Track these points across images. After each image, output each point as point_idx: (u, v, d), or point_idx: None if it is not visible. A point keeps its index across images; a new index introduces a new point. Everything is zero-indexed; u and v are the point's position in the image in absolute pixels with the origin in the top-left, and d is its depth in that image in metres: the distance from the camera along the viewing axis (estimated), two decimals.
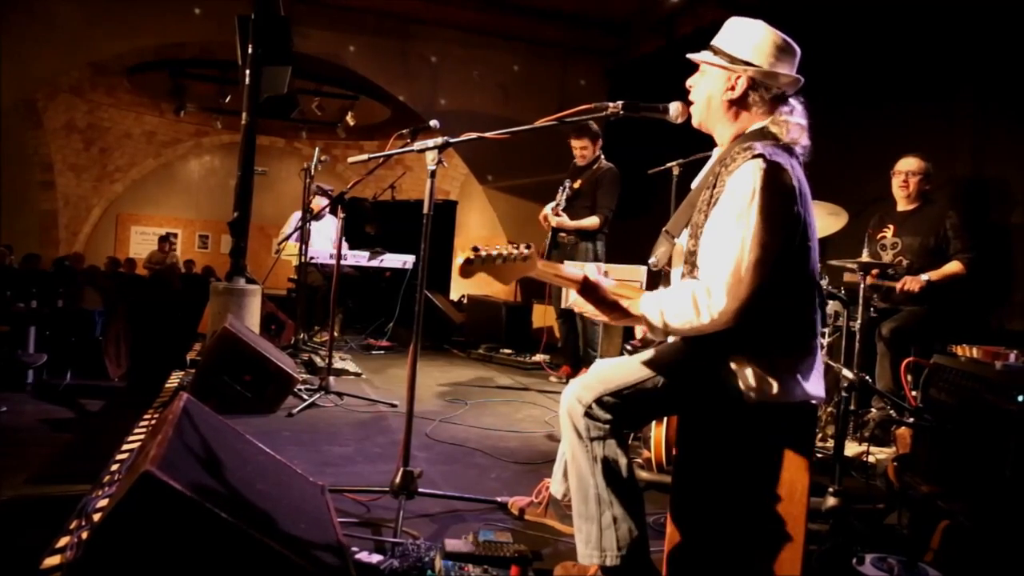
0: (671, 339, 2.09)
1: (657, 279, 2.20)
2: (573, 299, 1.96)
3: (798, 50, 1.98)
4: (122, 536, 1.47)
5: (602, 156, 5.51)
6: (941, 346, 3.13)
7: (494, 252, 1.80)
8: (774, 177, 1.79)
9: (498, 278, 1.82)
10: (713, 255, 1.82)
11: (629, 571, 1.86)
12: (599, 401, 1.87)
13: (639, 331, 2.25)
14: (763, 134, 1.92)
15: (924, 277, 3.98)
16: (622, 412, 1.88)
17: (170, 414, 1.99)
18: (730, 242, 1.78)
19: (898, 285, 4.00)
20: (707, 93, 2.02)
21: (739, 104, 1.98)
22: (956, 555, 2.27)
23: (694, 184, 2.10)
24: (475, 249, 1.78)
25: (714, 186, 1.88)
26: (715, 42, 2.02)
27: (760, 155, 1.80)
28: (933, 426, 2.81)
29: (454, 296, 9.91)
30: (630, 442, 3.33)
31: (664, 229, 2.11)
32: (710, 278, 1.80)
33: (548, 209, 5.32)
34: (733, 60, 1.96)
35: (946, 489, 2.59)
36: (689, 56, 2.07)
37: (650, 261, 2.13)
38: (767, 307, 1.80)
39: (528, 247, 1.83)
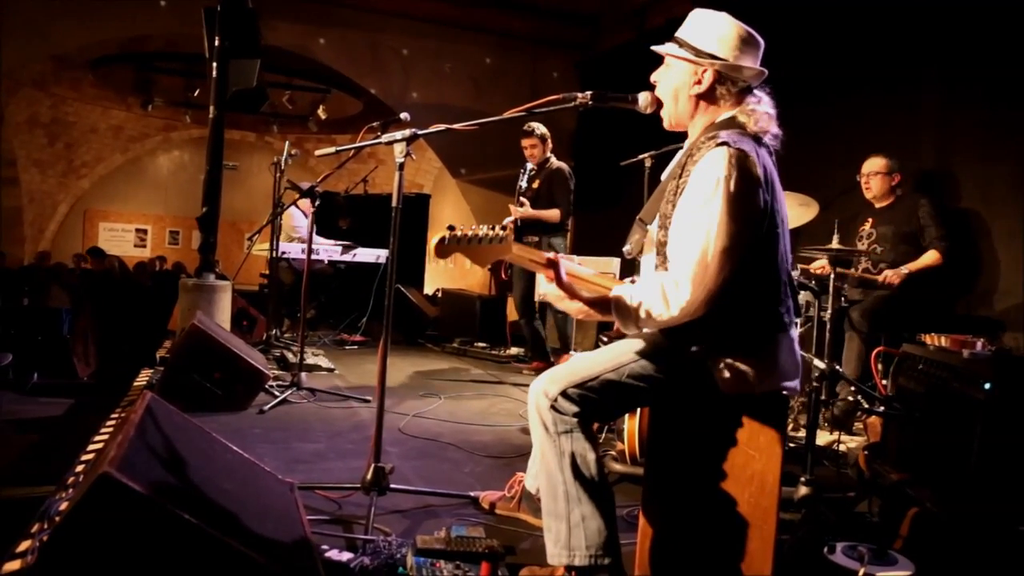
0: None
1: (632, 267, 2.17)
2: (545, 290, 1.91)
3: (762, 42, 1.97)
4: (80, 539, 1.43)
5: (552, 156, 5.60)
6: (910, 334, 3.16)
7: (469, 233, 1.77)
8: (739, 165, 1.78)
9: (475, 260, 1.78)
10: (680, 245, 1.81)
11: (597, 571, 1.83)
12: (564, 394, 1.85)
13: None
14: (731, 123, 1.91)
15: (904, 270, 4.03)
16: (588, 404, 1.86)
17: (133, 414, 1.95)
18: (696, 232, 1.77)
19: (879, 278, 4.05)
20: (673, 88, 2.00)
21: (706, 98, 1.96)
22: (925, 541, 2.30)
23: (664, 175, 2.10)
24: (450, 228, 1.76)
25: (680, 176, 1.88)
26: (680, 34, 1.99)
27: (724, 143, 1.80)
28: (902, 414, 2.85)
29: (428, 290, 9.87)
30: (604, 435, 3.36)
31: (638, 217, 2.10)
32: (677, 270, 1.79)
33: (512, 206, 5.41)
34: (699, 53, 1.93)
35: (915, 477, 2.62)
36: (654, 48, 2.05)
37: (624, 249, 2.12)
38: (736, 296, 1.80)
39: (504, 228, 1.80)
